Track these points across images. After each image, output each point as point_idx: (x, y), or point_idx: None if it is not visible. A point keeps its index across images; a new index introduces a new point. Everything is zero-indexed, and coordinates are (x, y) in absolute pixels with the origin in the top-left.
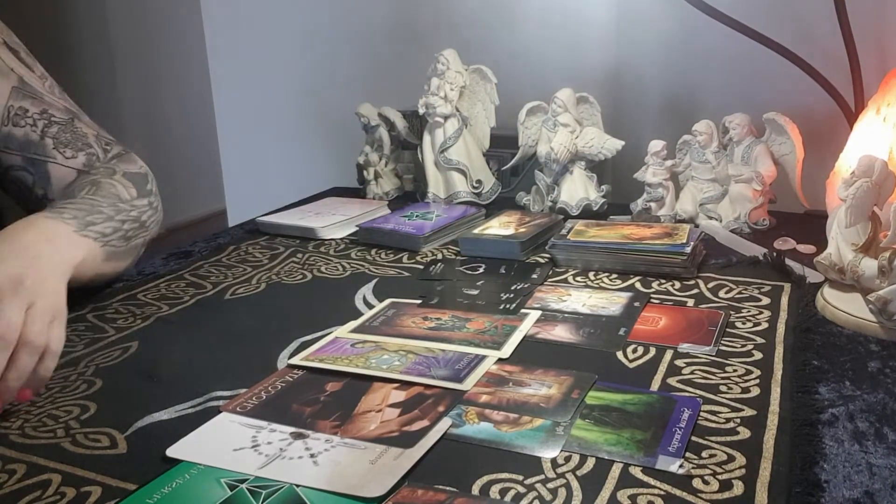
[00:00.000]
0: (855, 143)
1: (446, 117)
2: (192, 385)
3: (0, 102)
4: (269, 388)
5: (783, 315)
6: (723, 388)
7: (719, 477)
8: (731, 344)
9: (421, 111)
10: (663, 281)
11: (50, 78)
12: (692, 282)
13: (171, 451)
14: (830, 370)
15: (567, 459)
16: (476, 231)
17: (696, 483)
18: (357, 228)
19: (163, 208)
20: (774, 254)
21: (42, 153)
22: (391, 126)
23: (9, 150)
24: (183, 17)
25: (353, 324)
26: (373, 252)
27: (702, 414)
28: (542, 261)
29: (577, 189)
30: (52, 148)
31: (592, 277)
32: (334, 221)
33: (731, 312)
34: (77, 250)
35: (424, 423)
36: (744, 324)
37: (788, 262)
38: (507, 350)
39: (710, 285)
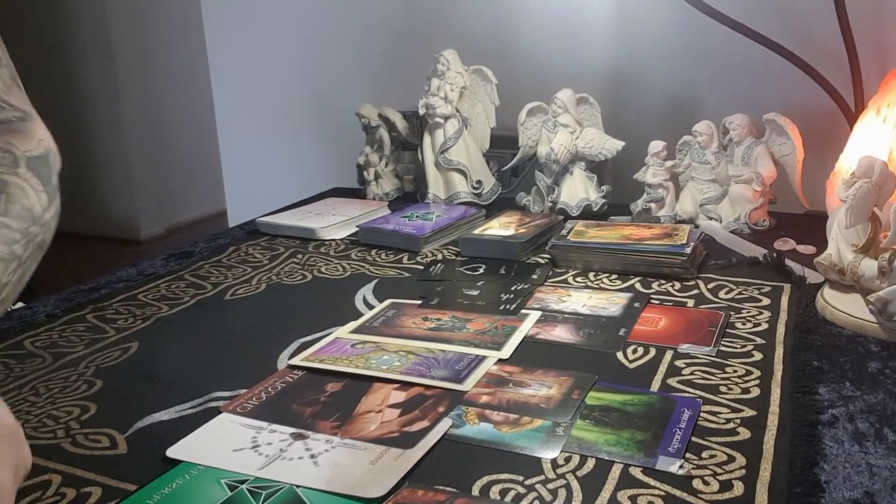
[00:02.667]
0: (855, 144)
1: (446, 118)
2: (192, 385)
3: None
4: (270, 389)
5: (783, 316)
6: (723, 389)
7: (719, 477)
8: (731, 344)
9: (421, 112)
10: (663, 281)
11: None
12: (692, 282)
13: (172, 452)
14: (830, 371)
15: (567, 460)
16: (476, 231)
17: (697, 483)
18: (357, 229)
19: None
20: (774, 254)
21: None
22: (391, 127)
23: None
24: (183, 16)
25: (353, 324)
26: (373, 252)
27: (702, 414)
28: (542, 261)
29: (577, 189)
30: None
31: (592, 278)
32: (334, 222)
33: (731, 313)
34: None
35: (424, 423)
36: (744, 324)
37: (788, 262)
38: (508, 350)
39: (710, 286)
